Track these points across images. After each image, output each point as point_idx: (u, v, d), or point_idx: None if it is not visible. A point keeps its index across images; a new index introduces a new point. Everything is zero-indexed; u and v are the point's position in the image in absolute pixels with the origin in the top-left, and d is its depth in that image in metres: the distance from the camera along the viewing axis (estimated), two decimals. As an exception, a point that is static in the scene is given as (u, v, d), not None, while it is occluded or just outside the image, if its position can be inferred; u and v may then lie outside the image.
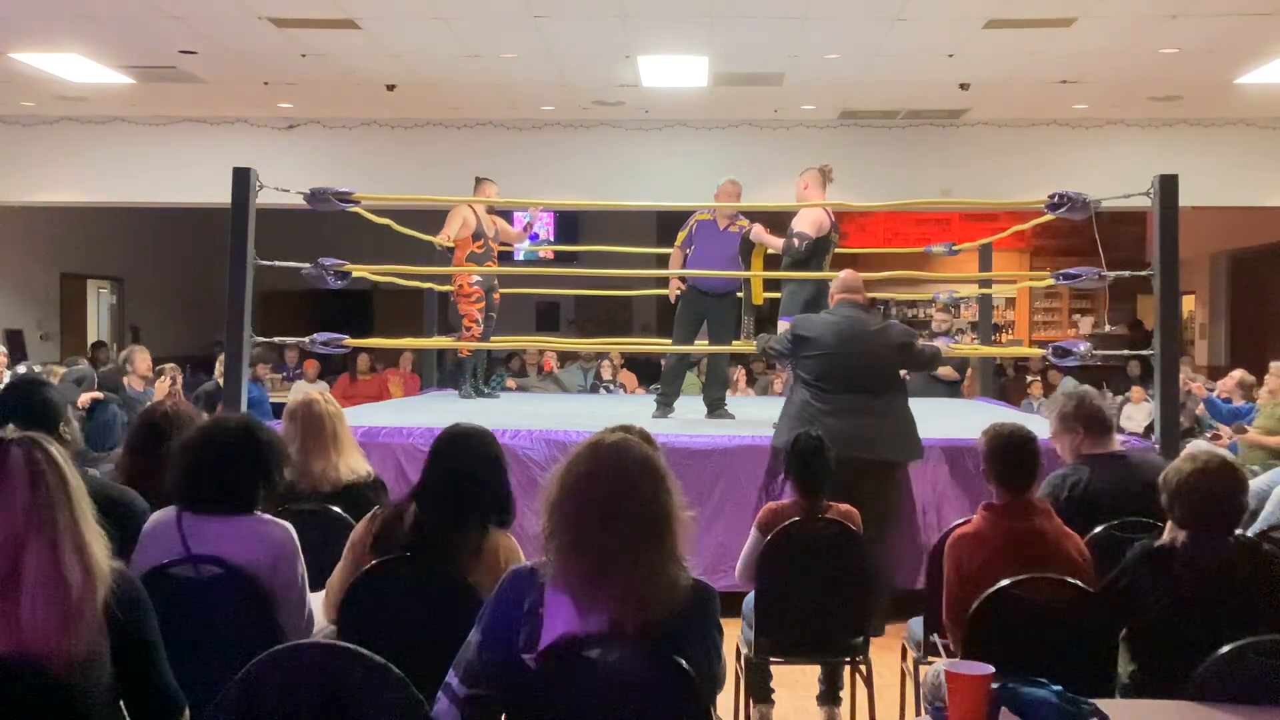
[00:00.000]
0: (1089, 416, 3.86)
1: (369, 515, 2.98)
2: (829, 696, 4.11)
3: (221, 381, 7.26)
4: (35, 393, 3.34)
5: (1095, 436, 3.86)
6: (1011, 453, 3.22)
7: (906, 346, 5.00)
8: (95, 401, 7.67)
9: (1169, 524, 2.95)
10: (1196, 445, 4.89)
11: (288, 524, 2.84)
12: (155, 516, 2.84)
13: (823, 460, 3.91)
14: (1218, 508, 2.83)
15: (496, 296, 7.78)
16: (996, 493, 3.23)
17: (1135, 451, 4.43)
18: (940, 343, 9.35)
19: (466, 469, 2.87)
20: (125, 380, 8.08)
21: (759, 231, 6.53)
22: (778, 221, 6.72)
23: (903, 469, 5.12)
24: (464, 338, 7.55)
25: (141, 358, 8.25)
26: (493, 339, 7.88)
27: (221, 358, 7.73)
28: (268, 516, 2.87)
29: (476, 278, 7.43)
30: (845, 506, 3.93)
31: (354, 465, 3.68)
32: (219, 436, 2.86)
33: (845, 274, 5.16)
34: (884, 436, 4.80)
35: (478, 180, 7.63)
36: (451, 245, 7.48)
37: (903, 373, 5.25)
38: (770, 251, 6.54)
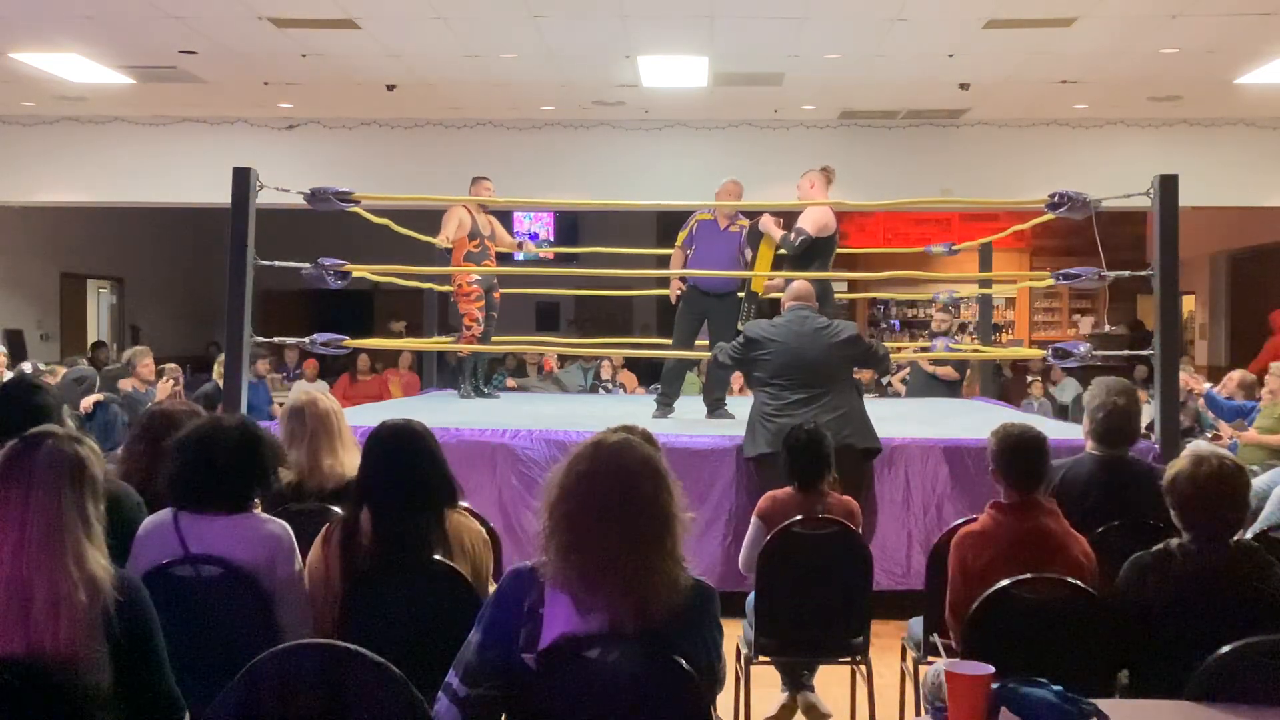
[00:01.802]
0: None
1: (323, 534, 2.93)
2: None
3: (221, 382, 7.26)
4: (31, 395, 3.34)
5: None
6: (1020, 453, 3.23)
7: (853, 340, 5.12)
8: (96, 403, 7.67)
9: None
10: (1197, 445, 4.87)
11: (283, 522, 2.84)
12: (151, 518, 2.83)
13: (816, 452, 3.93)
14: (1221, 509, 2.83)
15: (496, 295, 7.76)
16: (1004, 492, 3.24)
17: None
18: (939, 343, 9.40)
19: (404, 461, 2.93)
20: (128, 381, 8.06)
21: (767, 221, 6.54)
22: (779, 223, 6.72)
23: (869, 461, 5.15)
24: (464, 338, 7.54)
25: (145, 361, 8.25)
26: (493, 339, 7.87)
27: (221, 358, 7.73)
28: (264, 515, 2.87)
29: (475, 277, 7.42)
30: (845, 499, 3.94)
31: (357, 462, 3.67)
32: (216, 436, 2.85)
33: (796, 283, 5.32)
34: (843, 424, 4.86)
35: (474, 180, 7.63)
36: (450, 246, 7.48)
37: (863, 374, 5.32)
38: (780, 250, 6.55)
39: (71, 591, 2.05)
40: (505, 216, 11.32)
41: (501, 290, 7.92)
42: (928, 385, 9.10)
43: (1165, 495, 2.92)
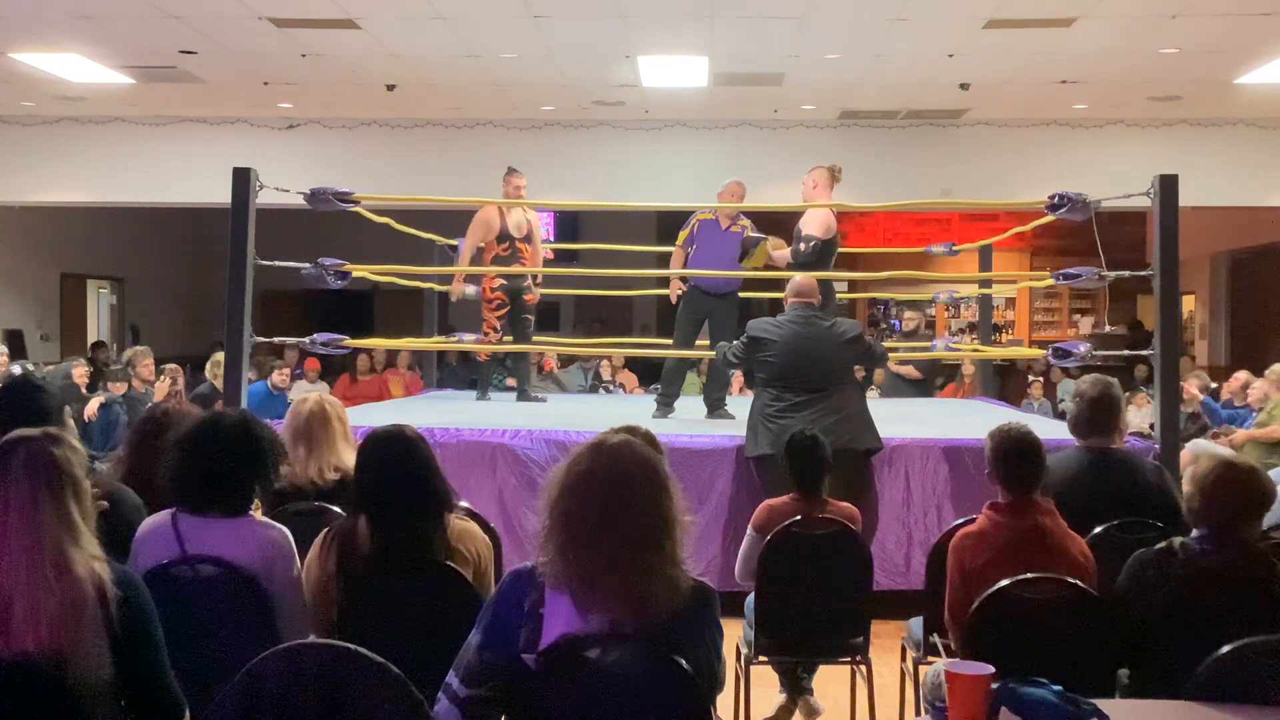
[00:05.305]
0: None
1: (320, 541, 2.90)
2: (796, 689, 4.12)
3: (217, 384, 7.23)
4: (30, 395, 3.34)
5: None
6: (1016, 453, 3.23)
7: (856, 340, 5.09)
8: (99, 405, 7.67)
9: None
10: (1196, 444, 4.87)
11: (283, 527, 2.82)
12: (150, 519, 2.82)
13: (818, 456, 3.93)
14: (1242, 511, 2.81)
15: (530, 299, 7.47)
16: (1001, 493, 3.24)
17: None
18: (940, 344, 9.40)
19: (398, 468, 2.89)
20: (119, 384, 8.02)
21: (778, 256, 6.46)
22: (779, 222, 6.70)
23: (869, 460, 5.14)
24: (480, 341, 7.48)
25: (145, 361, 8.24)
26: (491, 339, 7.76)
27: (213, 357, 7.71)
28: (264, 519, 2.86)
29: (500, 282, 7.29)
30: (844, 505, 3.94)
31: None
32: (217, 435, 2.83)
33: (799, 278, 5.25)
34: (844, 426, 4.84)
35: (508, 171, 7.40)
36: (481, 246, 7.31)
37: (858, 371, 5.32)
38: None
39: (48, 595, 2.04)
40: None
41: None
42: (895, 386, 9.12)
43: (1188, 485, 2.89)
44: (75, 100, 10.64)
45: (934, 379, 9.50)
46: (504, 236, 7.25)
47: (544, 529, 2.19)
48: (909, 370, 9.01)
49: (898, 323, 15.68)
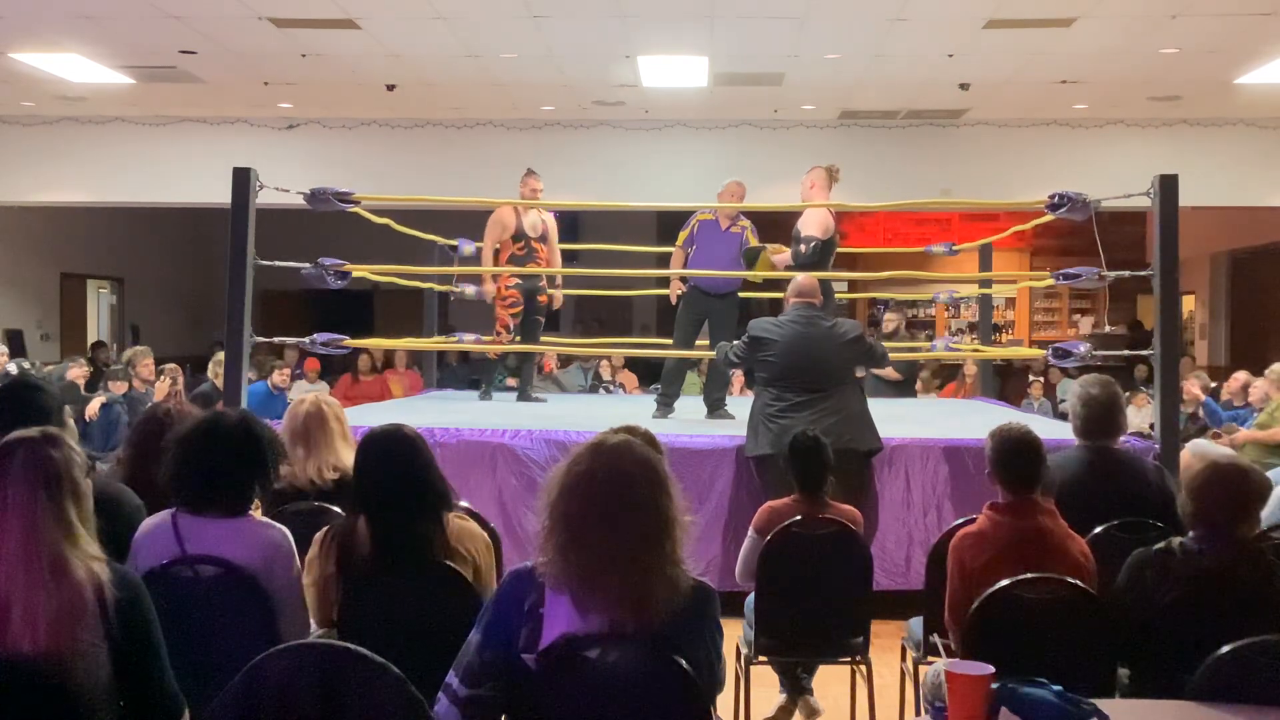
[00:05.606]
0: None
1: (319, 541, 2.91)
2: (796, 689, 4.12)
3: (218, 383, 7.23)
4: (29, 395, 3.33)
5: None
6: (1016, 453, 3.23)
7: (857, 341, 5.09)
8: (100, 405, 7.67)
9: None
10: (1197, 444, 4.87)
11: (283, 527, 2.83)
12: (150, 520, 2.82)
13: (820, 458, 3.93)
14: (1238, 510, 2.81)
15: (543, 299, 7.48)
16: (1001, 493, 3.24)
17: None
18: (940, 344, 9.39)
19: (397, 468, 2.89)
20: (119, 384, 8.01)
21: (779, 260, 6.46)
22: (778, 222, 6.70)
23: (869, 461, 5.13)
24: (494, 342, 7.47)
25: (145, 361, 8.24)
26: (485, 340, 7.74)
27: (215, 357, 7.71)
28: (264, 519, 2.86)
29: (515, 281, 7.28)
30: (845, 506, 3.94)
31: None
32: (217, 435, 2.83)
33: (801, 278, 5.24)
34: (844, 426, 4.83)
35: (526, 172, 7.42)
36: (497, 246, 7.32)
37: (859, 372, 5.30)
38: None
39: (46, 598, 2.04)
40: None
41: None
42: (874, 387, 9.10)
43: (1184, 488, 2.89)
44: (75, 100, 10.64)
45: (914, 380, 9.48)
46: (519, 236, 7.27)
47: (544, 529, 2.19)
48: (888, 371, 9.00)
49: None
